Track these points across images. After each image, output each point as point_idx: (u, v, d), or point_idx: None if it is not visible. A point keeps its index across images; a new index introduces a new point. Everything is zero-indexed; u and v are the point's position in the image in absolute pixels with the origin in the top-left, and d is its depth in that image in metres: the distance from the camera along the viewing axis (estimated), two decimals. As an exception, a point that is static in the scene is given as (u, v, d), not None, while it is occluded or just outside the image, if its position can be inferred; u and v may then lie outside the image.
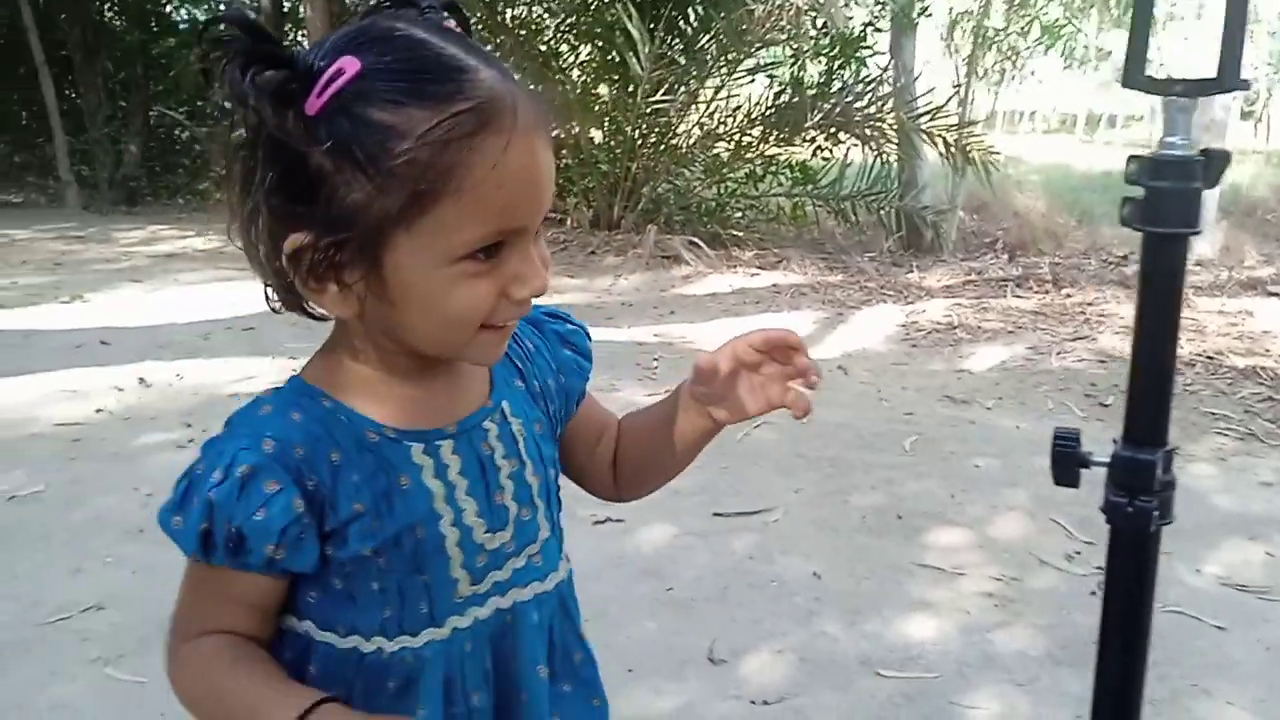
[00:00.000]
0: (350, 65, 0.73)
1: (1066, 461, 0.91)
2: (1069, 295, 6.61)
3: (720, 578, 2.67)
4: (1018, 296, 6.62)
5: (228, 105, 0.75)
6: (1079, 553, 2.94)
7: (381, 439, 0.84)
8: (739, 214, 9.11)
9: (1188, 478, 3.60)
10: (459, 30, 0.81)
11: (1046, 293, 6.74)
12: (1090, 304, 6.37)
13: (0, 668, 2.20)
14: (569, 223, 8.84)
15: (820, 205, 8.99)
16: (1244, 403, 4.49)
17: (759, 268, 7.54)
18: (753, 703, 2.16)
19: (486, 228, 0.76)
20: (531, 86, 0.86)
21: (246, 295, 6.36)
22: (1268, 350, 5.23)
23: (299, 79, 0.73)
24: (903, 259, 8.20)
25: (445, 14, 0.81)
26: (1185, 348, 5.24)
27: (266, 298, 0.84)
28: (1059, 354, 5.15)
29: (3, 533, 2.84)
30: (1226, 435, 4.10)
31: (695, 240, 7.70)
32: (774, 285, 6.89)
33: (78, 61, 11.09)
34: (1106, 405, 4.40)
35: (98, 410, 3.86)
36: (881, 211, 8.73)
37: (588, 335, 1.04)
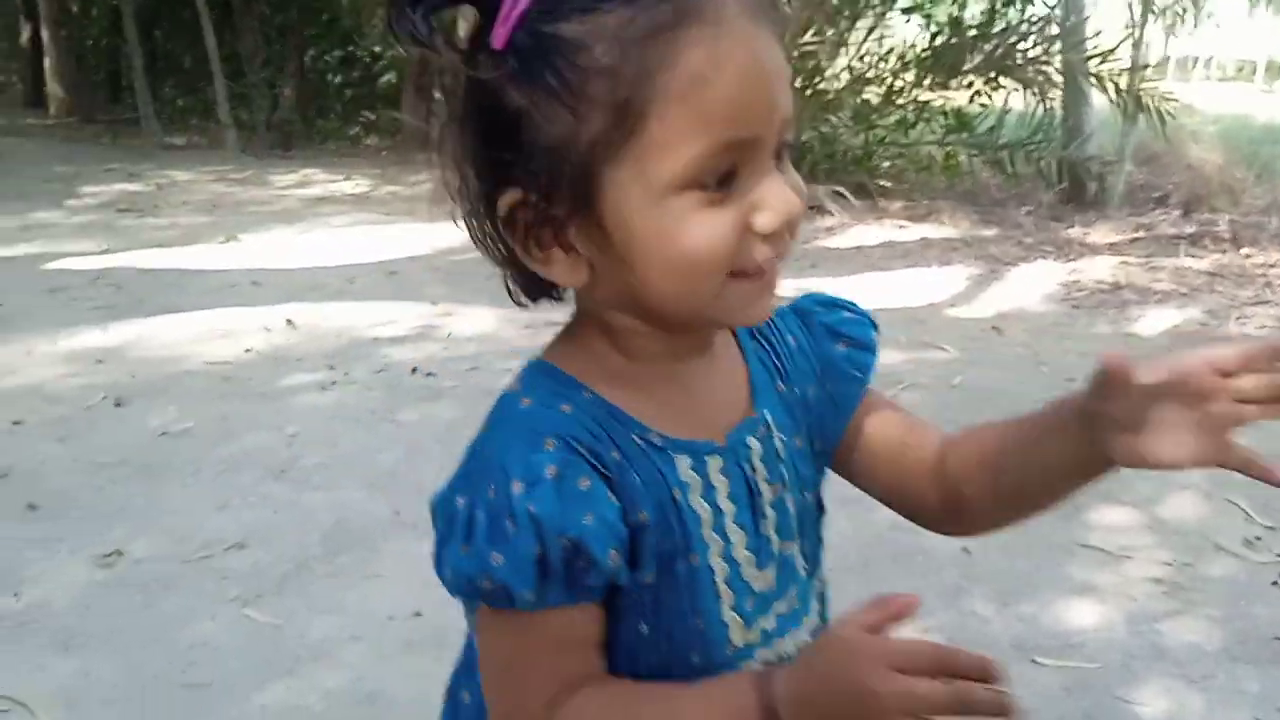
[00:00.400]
0: None
1: None
2: (1248, 255, 6.10)
3: (862, 550, 2.53)
4: (1191, 255, 6.14)
5: (415, 52, 0.65)
6: (1259, 538, 2.69)
7: (647, 444, 0.70)
8: (887, 163, 8.75)
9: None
10: None
11: (1224, 252, 6.24)
12: (1272, 266, 5.86)
13: (146, 601, 2.26)
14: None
15: (976, 155, 8.54)
16: None
17: (907, 219, 7.22)
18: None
19: (707, 139, 0.62)
20: None
21: (390, 239, 6.52)
22: None
23: (479, 7, 0.64)
24: (1063, 213, 7.72)
25: None
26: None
27: (509, 292, 0.74)
28: (1238, 319, 4.76)
29: (154, 466, 2.92)
30: None
31: (841, 190, 7.42)
32: (923, 239, 6.59)
33: (236, 6, 11.45)
34: (1293, 377, 4.03)
35: (246, 350, 3.96)
36: (1042, 162, 8.22)
37: (872, 324, 0.86)
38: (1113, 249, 6.41)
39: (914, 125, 8.76)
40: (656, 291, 0.67)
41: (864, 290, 5.33)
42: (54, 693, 1.95)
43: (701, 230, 0.64)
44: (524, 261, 0.68)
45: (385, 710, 1.92)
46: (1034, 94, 8.02)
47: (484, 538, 0.64)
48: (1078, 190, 8.30)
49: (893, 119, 8.71)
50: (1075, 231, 6.98)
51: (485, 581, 0.65)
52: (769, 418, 0.77)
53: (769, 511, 0.76)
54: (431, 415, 3.31)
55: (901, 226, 6.99)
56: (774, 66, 0.65)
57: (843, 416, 0.83)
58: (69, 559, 2.42)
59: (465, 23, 0.66)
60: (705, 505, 0.72)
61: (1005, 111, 8.34)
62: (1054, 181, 8.24)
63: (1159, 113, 7.52)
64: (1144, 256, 6.12)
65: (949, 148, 8.68)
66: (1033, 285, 5.43)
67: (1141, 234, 6.93)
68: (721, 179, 0.63)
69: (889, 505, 0.86)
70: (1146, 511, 2.82)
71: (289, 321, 4.32)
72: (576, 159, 0.63)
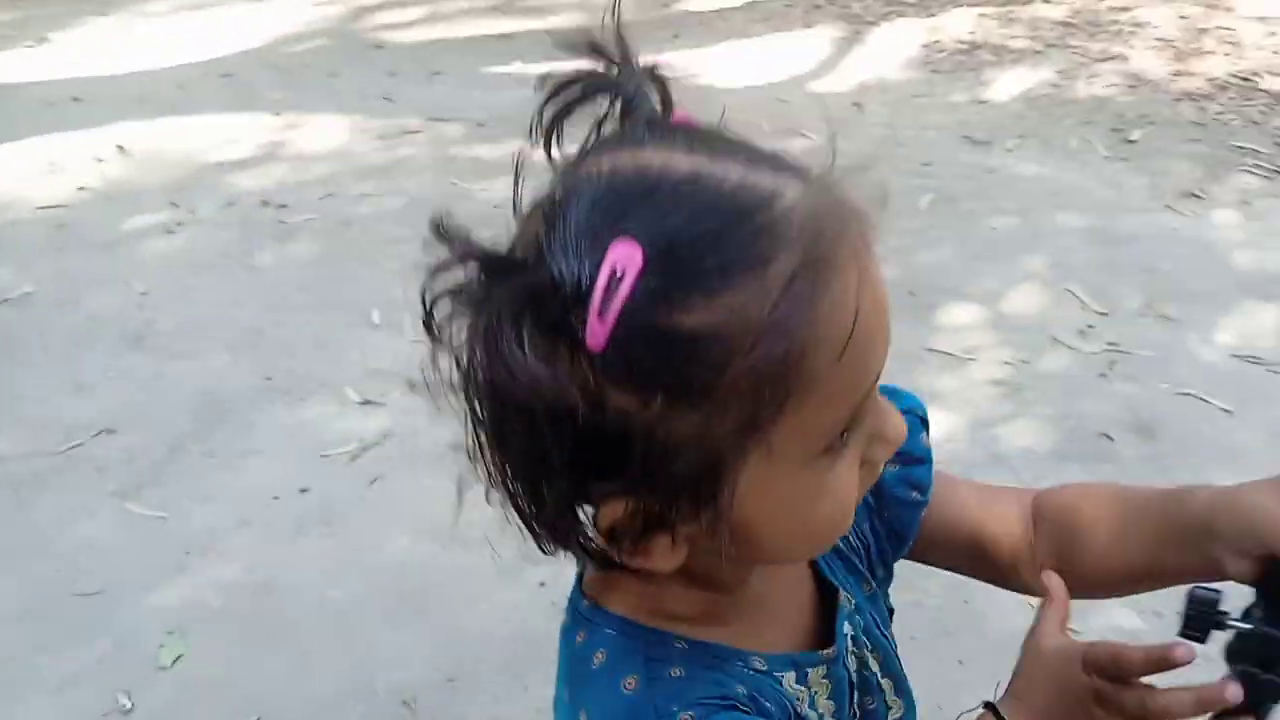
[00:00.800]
0: (629, 258, 0.50)
1: (1201, 623, 0.72)
2: (1102, -2, 6.14)
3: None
4: (1047, 1, 6.15)
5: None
6: (1092, 326, 2.91)
7: (754, 672, 0.65)
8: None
9: (1208, 227, 3.50)
10: (692, 123, 0.60)
11: (1079, -7, 6.26)
12: (1124, 9, 5.92)
13: (19, 503, 2.24)
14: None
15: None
16: (1275, 134, 4.27)
17: (768, -29, 6.97)
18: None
19: (852, 399, 0.56)
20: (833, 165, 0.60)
21: (219, 27, 6.02)
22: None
23: (565, 304, 0.51)
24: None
25: (659, 101, 0.60)
26: (1219, 66, 4.94)
27: (535, 539, 0.60)
28: (1088, 78, 4.85)
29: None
30: (1254, 173, 3.94)
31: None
32: (785, -4, 6.40)
33: None
34: (1133, 142, 4.20)
35: (80, 189, 3.70)
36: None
37: (923, 424, 0.77)
38: (972, -2, 6.35)
39: None
40: (777, 551, 0.62)
41: (729, 64, 5.23)
42: None
43: (841, 486, 0.58)
44: (612, 558, 0.59)
45: (286, 598, 2.00)
46: None
47: None
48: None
49: None
50: (934, -24, 6.87)
51: None
52: (846, 597, 0.72)
53: (884, 683, 0.74)
54: (289, 257, 3.22)
55: (762, -19, 6.76)
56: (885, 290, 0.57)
57: (906, 544, 0.78)
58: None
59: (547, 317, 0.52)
60: (813, 713, 0.68)
61: None
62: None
63: None
64: (1002, 5, 6.09)
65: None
66: (894, 48, 5.38)
67: (1000, -24, 6.86)
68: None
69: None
70: (991, 307, 3.00)
71: (120, 148, 4.02)
72: (706, 458, 0.53)
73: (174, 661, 1.86)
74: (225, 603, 1.99)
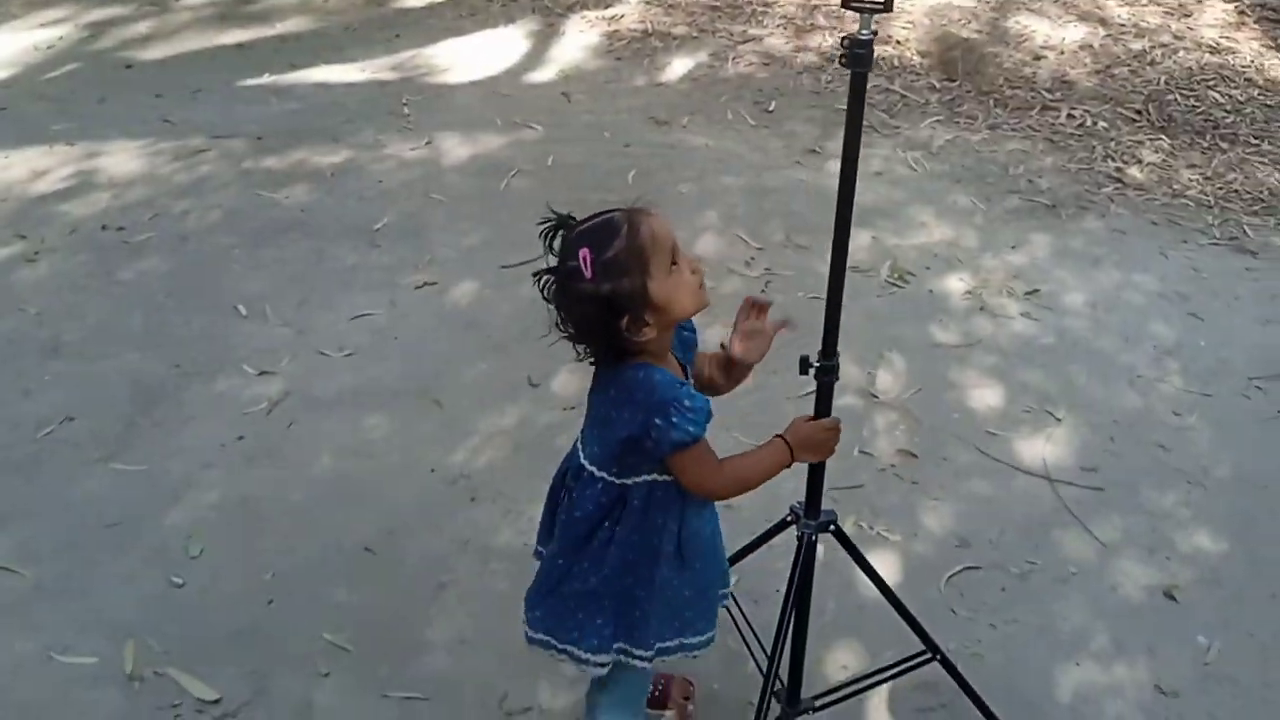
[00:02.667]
0: (586, 251, 1.60)
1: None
2: (738, -20, 7.57)
3: (519, 321, 3.75)
4: (697, -15, 7.52)
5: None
6: (753, 258, 4.25)
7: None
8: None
9: (825, 176, 4.94)
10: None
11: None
12: (755, -10, 7.38)
13: (24, 477, 3.00)
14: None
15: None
16: (869, 97, 5.83)
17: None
18: (564, 409, 3.36)
19: (669, 251, 1.65)
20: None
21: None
22: (889, 36, 6.57)
23: (575, 270, 1.63)
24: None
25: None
26: (828, 41, 6.49)
27: (579, 355, 1.72)
28: (734, 59, 6.27)
29: (-70, 368, 3.44)
30: (854, 129, 5.46)
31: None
32: (483, -11, 7.40)
33: None
34: (770, 111, 5.63)
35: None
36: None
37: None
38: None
39: None
40: (677, 314, 1.68)
41: (451, 60, 6.21)
42: (17, 564, 2.76)
43: (684, 279, 1.67)
44: (627, 340, 1.64)
45: (261, 504, 2.94)
46: None
47: (688, 416, 1.64)
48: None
49: None
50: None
51: (697, 428, 1.65)
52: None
53: None
54: (146, 271, 3.98)
55: (460, -24, 7.70)
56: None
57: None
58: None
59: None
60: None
61: None
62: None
63: None
64: (661, -7, 7.39)
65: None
66: (582, 38, 6.57)
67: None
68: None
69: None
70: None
71: (-66, 190, 4.51)
72: (640, 289, 1.60)
73: (200, 552, 2.79)
74: (219, 514, 2.91)
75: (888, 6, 1.59)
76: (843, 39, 1.68)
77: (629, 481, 1.78)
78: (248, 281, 3.91)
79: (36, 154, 4.85)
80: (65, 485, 3.00)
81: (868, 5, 1.60)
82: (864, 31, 1.63)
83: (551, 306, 1.68)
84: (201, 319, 3.72)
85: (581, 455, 1.84)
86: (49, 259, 4.05)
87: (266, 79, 5.83)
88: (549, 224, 1.70)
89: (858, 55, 1.65)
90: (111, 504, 2.93)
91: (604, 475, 1.79)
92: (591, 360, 1.75)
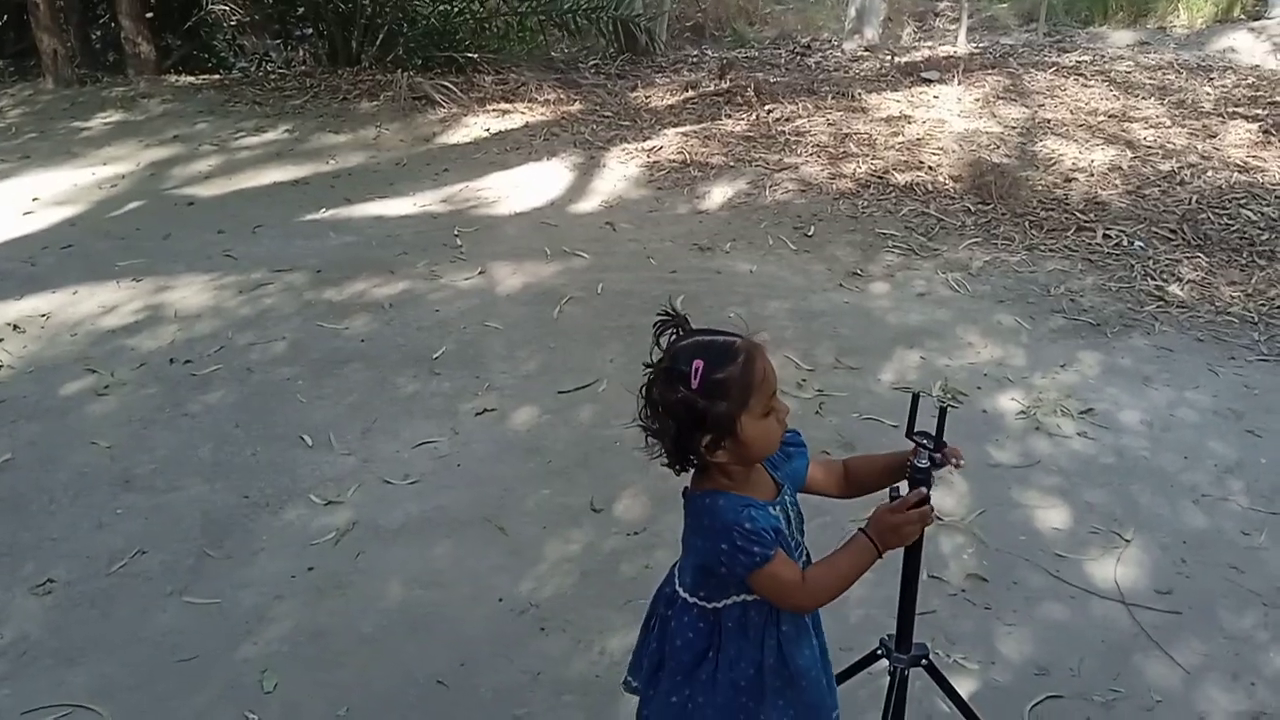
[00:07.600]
0: (699, 363, 1.64)
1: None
2: (770, 111, 7.87)
3: (579, 446, 3.80)
4: (729, 117, 7.81)
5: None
6: (805, 380, 4.31)
7: (761, 504, 1.74)
8: (468, 40, 9.68)
9: (868, 298, 5.05)
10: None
11: (751, 107, 7.96)
12: (787, 120, 7.66)
13: (102, 613, 3.03)
14: (308, 57, 9.08)
15: (544, 19, 9.77)
16: (905, 220, 5.99)
17: (504, 101, 8.27)
18: (628, 535, 3.37)
19: (770, 395, 1.69)
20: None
21: (29, 197, 6.51)
22: (921, 163, 6.76)
23: (685, 377, 1.66)
24: (624, 70, 9.22)
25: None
26: (861, 168, 6.68)
27: (671, 466, 1.75)
28: (771, 186, 6.45)
29: (2, 503, 3.51)
30: (894, 252, 5.58)
31: (446, 84, 8.27)
32: (526, 125, 7.71)
33: None
34: (810, 236, 5.77)
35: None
36: (601, 21, 9.69)
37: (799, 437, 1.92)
38: (672, 114, 7.92)
39: (485, -1, 9.75)
40: (758, 454, 1.72)
41: (498, 193, 6.42)
42: (93, 701, 2.76)
43: (772, 428, 1.70)
44: (701, 457, 1.69)
45: (331, 638, 2.95)
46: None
47: (751, 539, 1.66)
48: (631, 43, 9.95)
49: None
50: (638, 96, 8.43)
51: (763, 550, 1.67)
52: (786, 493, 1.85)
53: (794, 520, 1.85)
54: (213, 404, 4.08)
55: (503, 112, 8.04)
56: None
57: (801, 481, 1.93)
58: (5, 594, 3.10)
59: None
60: (782, 521, 1.76)
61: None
62: (610, 37, 9.87)
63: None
64: (697, 123, 7.68)
65: (521, 15, 9.77)
66: (623, 169, 6.80)
67: (690, 93, 8.53)
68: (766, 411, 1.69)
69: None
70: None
71: (14, 326, 4.66)
72: (730, 418, 1.64)
73: (274, 687, 2.78)
74: (291, 647, 2.92)
75: (938, 445, 1.88)
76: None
77: (719, 605, 1.81)
78: (312, 411, 4.00)
79: (104, 289, 5.02)
80: (139, 619, 3.02)
81: (923, 442, 1.90)
82: (921, 460, 1.88)
83: (643, 398, 1.74)
84: (268, 449, 3.79)
85: (676, 581, 1.88)
86: (119, 392, 4.16)
87: (323, 214, 6.04)
88: (665, 319, 1.77)
89: (918, 479, 1.87)
90: (185, 638, 2.94)
91: (696, 601, 1.83)
92: (660, 458, 1.80)
